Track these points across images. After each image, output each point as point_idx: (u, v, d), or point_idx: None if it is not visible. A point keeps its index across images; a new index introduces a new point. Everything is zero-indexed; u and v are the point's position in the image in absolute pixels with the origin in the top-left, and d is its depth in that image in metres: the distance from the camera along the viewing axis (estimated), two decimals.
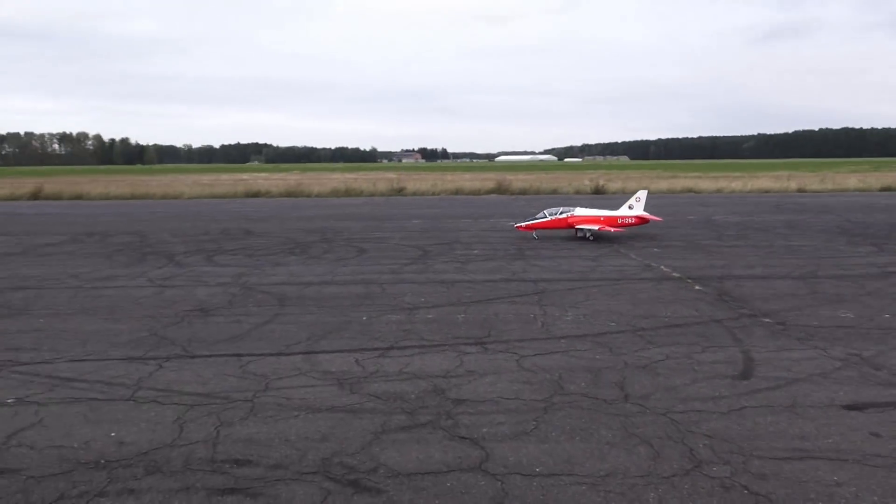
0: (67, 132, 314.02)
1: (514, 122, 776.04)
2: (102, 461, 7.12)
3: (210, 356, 10.84)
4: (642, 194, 26.39)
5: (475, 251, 22.48)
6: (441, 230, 26.98)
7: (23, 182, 70.66)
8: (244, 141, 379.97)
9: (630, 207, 25.82)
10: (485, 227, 29.92)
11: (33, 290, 16.41)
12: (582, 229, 25.00)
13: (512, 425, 7.96)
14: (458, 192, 57.22)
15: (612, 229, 24.73)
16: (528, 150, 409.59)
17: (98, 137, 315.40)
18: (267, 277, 17.94)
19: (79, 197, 56.42)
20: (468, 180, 71.25)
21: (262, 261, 20.88)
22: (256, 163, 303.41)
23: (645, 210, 26.00)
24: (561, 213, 25.58)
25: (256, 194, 56.35)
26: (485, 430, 7.83)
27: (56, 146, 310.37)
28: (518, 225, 26.16)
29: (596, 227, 24.76)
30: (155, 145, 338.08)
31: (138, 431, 7.86)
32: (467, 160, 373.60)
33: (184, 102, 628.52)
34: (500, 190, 56.95)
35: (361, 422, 8.11)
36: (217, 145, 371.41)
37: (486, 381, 9.52)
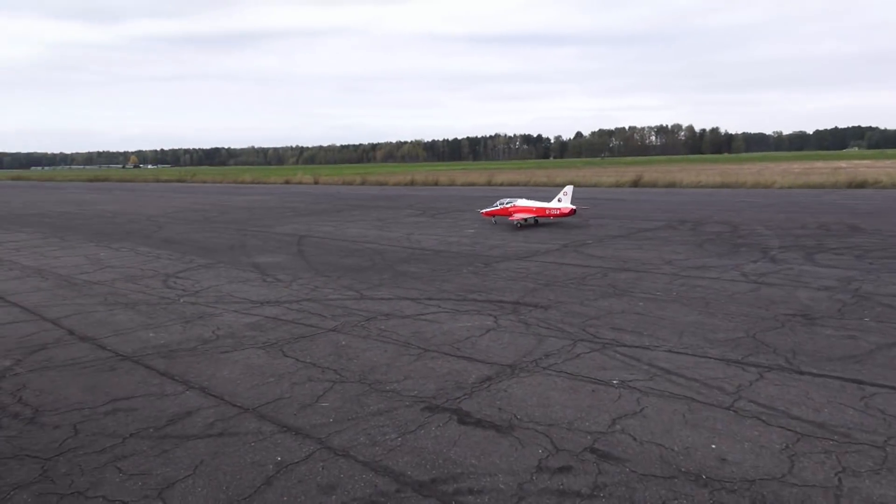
0: (663, 125, 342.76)
1: None
2: (703, 476, 6.51)
3: (820, 376, 9.21)
4: (569, 189, 29.03)
5: None
6: None
7: (625, 171, 79.43)
8: (842, 125, 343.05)
9: (559, 200, 28.41)
10: None
11: (634, 273, 17.44)
12: (521, 218, 28.18)
13: None
14: None
15: (521, 217, 28.02)
16: None
17: (690, 128, 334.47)
18: (886, 286, 14.82)
19: (672, 185, 59.76)
20: None
21: (876, 264, 17.53)
22: (856, 149, 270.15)
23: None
24: (507, 203, 29.05)
25: (862, 185, 49.25)
26: None
27: (653, 138, 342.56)
28: (482, 211, 30.35)
29: (523, 216, 28.10)
30: (743, 133, 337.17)
31: (741, 451, 6.99)
32: None
33: (778, 88, 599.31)
34: None
35: None
36: (810, 131, 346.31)
37: None
